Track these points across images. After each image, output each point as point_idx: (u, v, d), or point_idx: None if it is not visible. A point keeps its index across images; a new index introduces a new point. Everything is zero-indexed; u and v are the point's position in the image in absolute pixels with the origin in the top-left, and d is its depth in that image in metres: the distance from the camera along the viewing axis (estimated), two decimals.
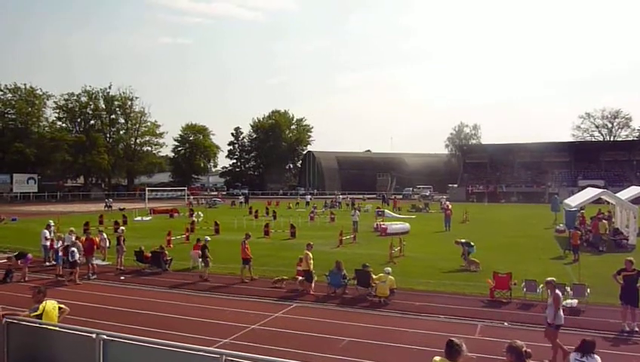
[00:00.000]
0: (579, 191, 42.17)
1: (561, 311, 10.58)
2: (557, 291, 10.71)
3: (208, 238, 20.01)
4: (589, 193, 32.16)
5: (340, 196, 69.43)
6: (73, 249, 18.09)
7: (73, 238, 20.10)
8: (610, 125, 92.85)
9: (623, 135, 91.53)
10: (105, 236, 23.27)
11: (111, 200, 60.15)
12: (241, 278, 17.97)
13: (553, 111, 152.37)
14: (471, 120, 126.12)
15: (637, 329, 12.07)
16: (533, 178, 76.39)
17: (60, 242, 20.14)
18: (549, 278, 11.21)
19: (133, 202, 65.62)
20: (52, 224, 24.53)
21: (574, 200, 31.64)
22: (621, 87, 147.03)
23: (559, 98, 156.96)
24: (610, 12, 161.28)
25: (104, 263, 21.21)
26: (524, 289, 14.98)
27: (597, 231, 26.45)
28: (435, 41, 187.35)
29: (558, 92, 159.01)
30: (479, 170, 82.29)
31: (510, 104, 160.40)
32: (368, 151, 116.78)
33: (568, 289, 14.52)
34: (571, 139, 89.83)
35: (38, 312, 7.87)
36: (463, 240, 21.24)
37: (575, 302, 14.06)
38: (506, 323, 12.87)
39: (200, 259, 20.26)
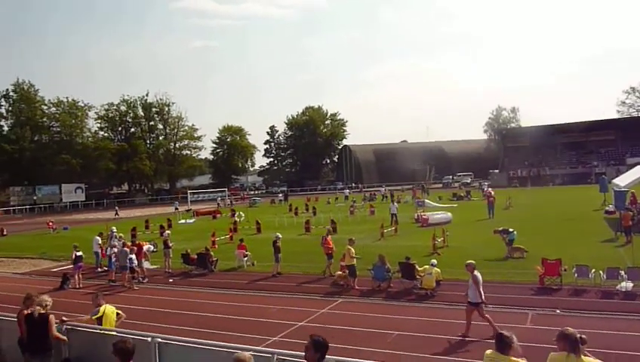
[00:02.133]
0: (627, 169, 40.54)
1: (481, 289, 11.24)
2: (475, 273, 11.34)
3: (279, 235, 20.15)
4: (639, 171, 30.85)
5: (385, 188, 68.30)
6: (131, 256, 18.65)
7: (116, 244, 20.75)
8: None
9: None
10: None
11: (117, 207, 61.35)
12: (329, 273, 18.09)
13: (593, 88, 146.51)
14: (508, 103, 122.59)
15: None
16: (577, 159, 73.93)
17: (114, 249, 20.70)
18: (468, 261, 11.96)
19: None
20: (114, 230, 25.65)
21: (623, 180, 30.40)
22: None
23: (598, 74, 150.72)
24: None
25: (152, 266, 21.84)
26: (576, 275, 14.52)
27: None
28: (466, 25, 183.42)
29: (597, 68, 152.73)
30: (520, 154, 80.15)
31: (548, 84, 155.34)
32: (404, 141, 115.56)
33: (622, 272, 14.01)
34: (616, 116, 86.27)
35: (99, 314, 8.26)
36: (501, 229, 20.83)
37: (630, 285, 13.56)
38: (558, 311, 12.54)
39: (246, 257, 20.59)
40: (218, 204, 63.95)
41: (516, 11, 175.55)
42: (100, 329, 7.72)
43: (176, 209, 55.28)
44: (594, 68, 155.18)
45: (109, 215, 59.61)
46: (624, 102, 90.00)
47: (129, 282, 18.33)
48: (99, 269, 21.95)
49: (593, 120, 75.08)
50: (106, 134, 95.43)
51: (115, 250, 20.12)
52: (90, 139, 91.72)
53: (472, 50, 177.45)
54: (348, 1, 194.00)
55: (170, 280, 19.23)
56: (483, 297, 11.19)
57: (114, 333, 7.43)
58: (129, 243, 22.16)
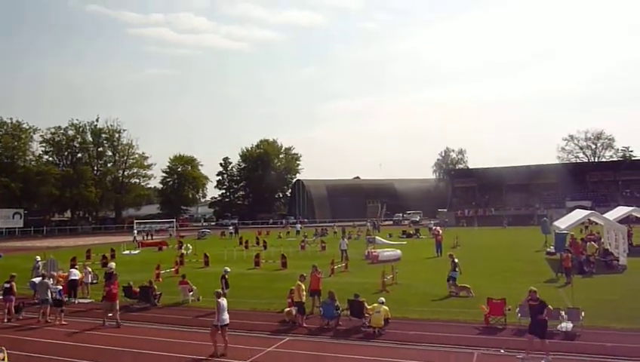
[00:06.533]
0: (567, 212, 42.45)
1: (223, 314, 12.81)
2: (219, 300, 12.94)
3: (228, 269, 19.57)
4: (578, 215, 32.34)
5: (372, 221, 62.14)
6: (57, 287, 17.69)
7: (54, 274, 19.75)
8: (593, 146, 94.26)
9: (607, 155, 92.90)
10: (89, 270, 22.92)
11: None
12: (311, 311, 17.01)
13: (537, 132, 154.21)
14: (457, 144, 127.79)
15: None
16: (521, 201, 76.78)
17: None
18: (216, 290, 13.94)
19: (121, 235, 64.85)
20: (39, 259, 24.12)
21: (563, 223, 31.77)
22: (604, 106, 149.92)
23: (543, 119, 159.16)
24: (593, 34, 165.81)
25: (88, 301, 20.78)
26: (519, 315, 14.81)
27: (578, 252, 26.34)
28: (417, 66, 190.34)
29: (543, 112, 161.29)
30: (468, 194, 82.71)
31: (494, 127, 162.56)
32: (357, 178, 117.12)
33: (562, 313, 14.42)
34: (556, 161, 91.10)
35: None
36: (456, 260, 21.11)
37: (570, 325, 13.94)
38: (502, 351, 12.69)
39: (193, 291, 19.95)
40: (134, 237, 55.17)
41: (466, 51, 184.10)
42: None
43: (134, 238, 53.32)
44: (540, 112, 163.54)
45: (47, 243, 56.75)
46: (564, 149, 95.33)
47: (57, 316, 17.19)
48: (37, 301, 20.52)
49: (536, 164, 78.83)
50: (50, 158, 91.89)
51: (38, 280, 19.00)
52: (33, 162, 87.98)
53: (422, 89, 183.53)
54: (303, 38, 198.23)
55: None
56: (223, 322, 12.69)
57: None
58: (62, 274, 21.24)
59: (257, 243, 45.90)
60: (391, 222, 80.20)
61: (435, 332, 14.48)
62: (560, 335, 13.70)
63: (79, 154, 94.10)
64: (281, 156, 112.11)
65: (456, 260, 20.95)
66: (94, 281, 23.80)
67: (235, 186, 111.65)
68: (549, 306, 12.09)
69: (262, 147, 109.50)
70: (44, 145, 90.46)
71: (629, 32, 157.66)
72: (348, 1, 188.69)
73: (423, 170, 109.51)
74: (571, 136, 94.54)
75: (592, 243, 28.89)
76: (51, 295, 17.33)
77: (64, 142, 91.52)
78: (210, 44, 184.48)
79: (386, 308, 14.89)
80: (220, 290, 13.91)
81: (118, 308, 16.93)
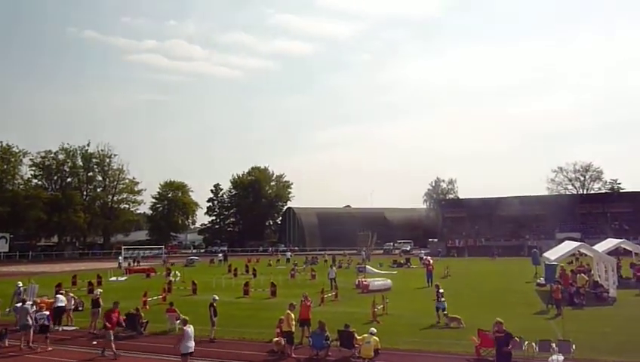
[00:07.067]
0: (557, 243, 42.62)
1: (189, 342, 12.90)
2: (185, 327, 13.04)
3: (217, 297, 19.28)
4: (568, 246, 32.45)
5: (363, 251, 58.76)
6: (44, 313, 17.35)
7: (38, 301, 19.44)
8: (582, 178, 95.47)
9: (596, 188, 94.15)
10: (71, 295, 22.52)
11: None
12: (300, 341, 16.73)
13: (526, 164, 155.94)
14: (448, 173, 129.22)
15: None
16: (511, 232, 77.01)
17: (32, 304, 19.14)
18: (183, 316, 13.92)
19: (108, 261, 63.94)
20: (20, 284, 23.63)
21: (553, 254, 31.84)
22: (591, 140, 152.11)
23: (530, 151, 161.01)
24: (576, 66, 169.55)
25: (72, 328, 20.37)
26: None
27: (568, 284, 26.33)
28: (410, 96, 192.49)
29: (529, 146, 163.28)
30: (458, 225, 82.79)
31: (486, 157, 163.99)
32: (348, 206, 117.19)
33: (553, 345, 14.33)
34: (546, 193, 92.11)
35: None
36: (441, 290, 21.11)
37: (561, 358, 13.84)
38: None
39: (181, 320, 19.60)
40: (119, 263, 54.15)
41: (456, 83, 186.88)
42: None
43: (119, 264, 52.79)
44: (526, 145, 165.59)
45: (33, 268, 55.78)
46: (553, 180, 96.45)
47: (41, 342, 16.80)
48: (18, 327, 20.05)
49: (526, 195, 79.40)
50: (39, 182, 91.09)
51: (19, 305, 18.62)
52: (21, 186, 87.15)
53: (414, 121, 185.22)
54: (298, 66, 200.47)
55: (94, 342, 17.84)
56: (187, 350, 12.72)
57: None
58: (46, 300, 20.85)
59: (247, 271, 45.46)
60: (381, 252, 79.92)
61: None
62: None
63: (69, 179, 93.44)
64: (272, 183, 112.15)
65: (441, 290, 20.95)
66: (80, 308, 23.37)
67: (226, 213, 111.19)
68: (515, 338, 12.06)
69: (253, 174, 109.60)
70: (33, 168, 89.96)
71: (628, 66, 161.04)
72: (337, 31, 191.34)
73: (415, 199, 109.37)
74: (560, 168, 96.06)
75: (582, 274, 28.92)
76: (37, 321, 17.00)
77: (54, 166, 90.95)
78: (204, 71, 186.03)
79: (377, 338, 14.72)
80: (186, 317, 13.62)
81: (111, 339, 16.43)
